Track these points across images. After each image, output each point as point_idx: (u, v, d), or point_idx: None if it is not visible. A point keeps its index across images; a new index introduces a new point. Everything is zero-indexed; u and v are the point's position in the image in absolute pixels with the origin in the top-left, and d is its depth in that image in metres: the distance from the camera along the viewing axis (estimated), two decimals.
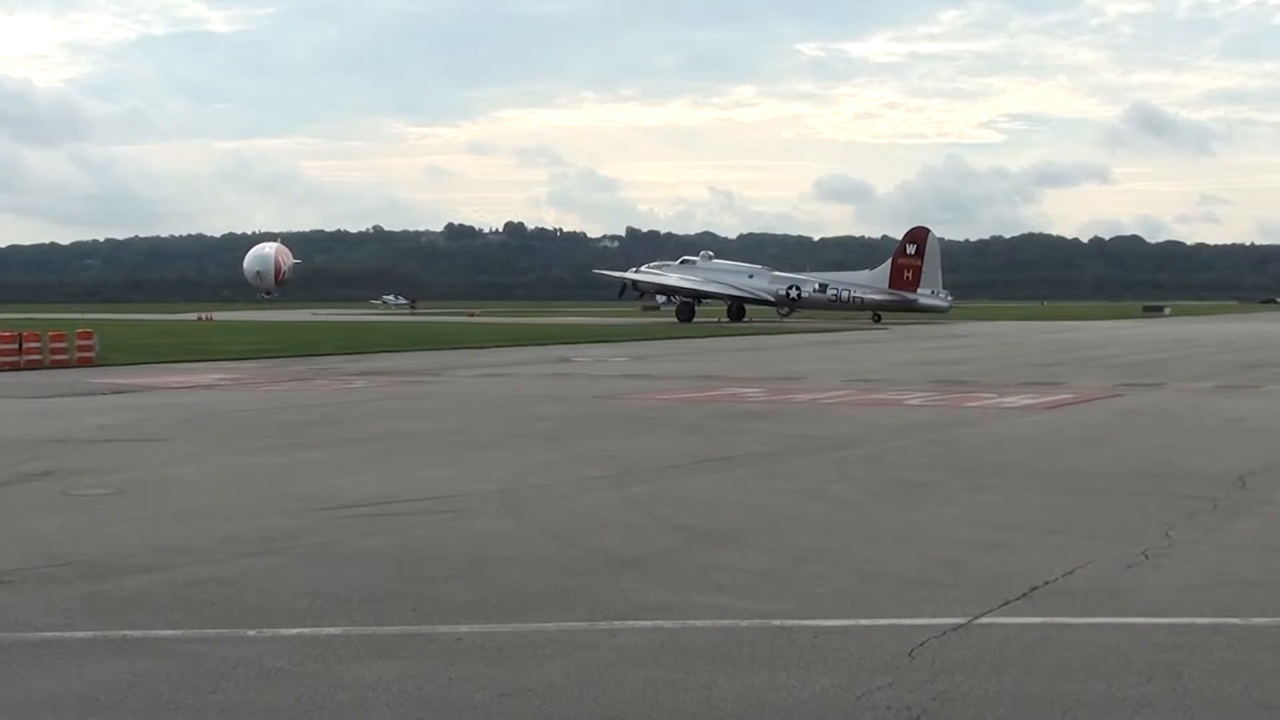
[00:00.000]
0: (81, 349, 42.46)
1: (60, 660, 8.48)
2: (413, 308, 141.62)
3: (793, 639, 8.83)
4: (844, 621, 9.26)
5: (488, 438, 20.84)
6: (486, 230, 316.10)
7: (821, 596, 10.03)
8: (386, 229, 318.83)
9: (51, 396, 29.48)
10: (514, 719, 7.34)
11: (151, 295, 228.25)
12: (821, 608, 9.65)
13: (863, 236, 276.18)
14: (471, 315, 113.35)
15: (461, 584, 10.47)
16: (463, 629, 9.11)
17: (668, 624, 9.20)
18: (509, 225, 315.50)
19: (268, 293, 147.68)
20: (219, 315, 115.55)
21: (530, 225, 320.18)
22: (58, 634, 9.06)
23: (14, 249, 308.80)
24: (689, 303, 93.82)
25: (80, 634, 9.06)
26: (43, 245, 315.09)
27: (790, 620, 9.26)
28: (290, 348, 51.46)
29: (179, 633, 9.07)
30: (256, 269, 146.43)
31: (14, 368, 39.37)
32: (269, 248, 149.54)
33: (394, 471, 17.00)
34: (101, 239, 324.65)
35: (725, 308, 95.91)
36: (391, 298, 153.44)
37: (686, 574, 10.80)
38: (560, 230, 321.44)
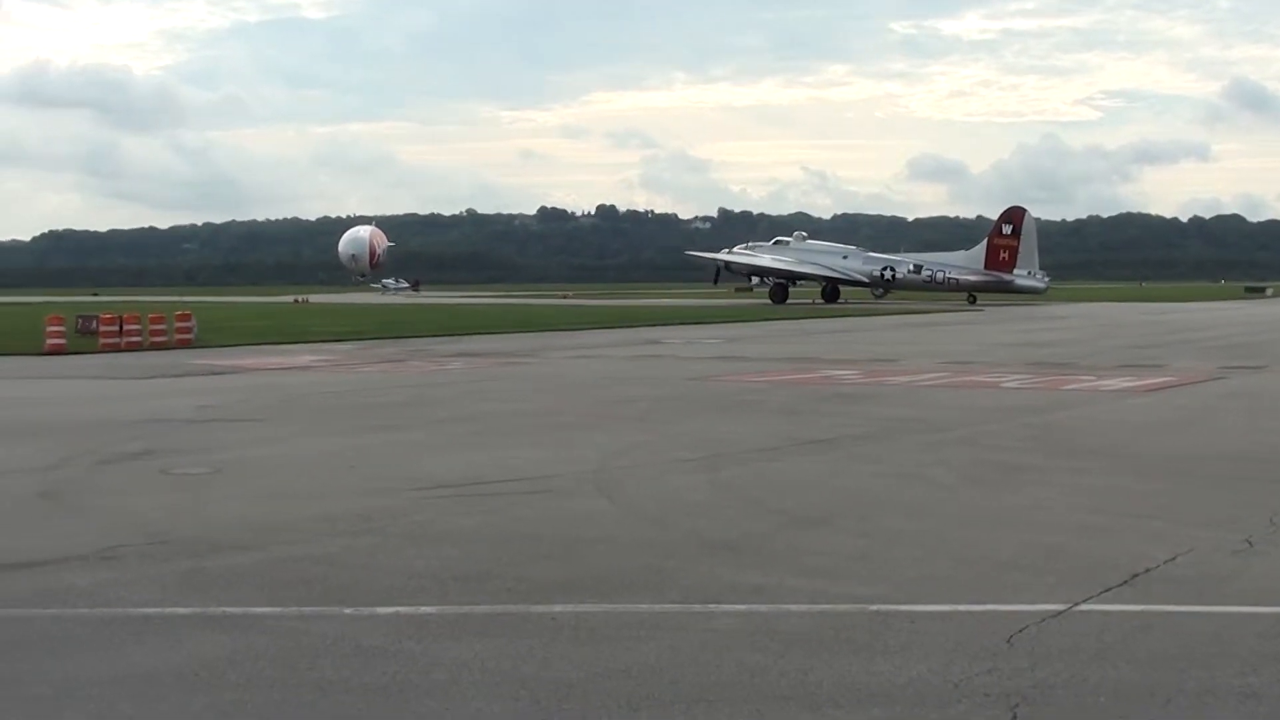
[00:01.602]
0: (180, 331, 43.09)
1: (160, 635, 8.59)
2: (415, 290, 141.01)
3: (889, 624, 8.76)
4: (941, 607, 9.17)
5: (581, 419, 20.89)
6: (578, 213, 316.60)
7: (917, 581, 9.94)
8: (480, 212, 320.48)
9: (151, 377, 29.90)
10: (609, 699, 7.33)
11: (248, 278, 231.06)
12: (918, 592, 9.57)
13: (957, 217, 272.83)
14: (564, 297, 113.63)
15: (555, 564, 10.49)
16: (557, 609, 9.12)
17: (762, 607, 9.16)
18: (601, 208, 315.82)
19: (362, 275, 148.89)
20: (314, 298, 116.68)
21: (622, 208, 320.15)
22: (158, 610, 9.18)
23: (114, 234, 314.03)
24: (782, 284, 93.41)
25: (180, 610, 9.17)
26: (142, 230, 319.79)
27: (886, 605, 9.19)
28: (385, 330, 51.85)
29: (276, 610, 9.16)
30: (351, 252, 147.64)
31: (115, 349, 39.99)
32: (364, 231, 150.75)
33: (488, 452, 17.06)
34: (199, 223, 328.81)
35: (819, 289, 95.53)
36: (392, 281, 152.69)
37: (780, 557, 10.75)
38: (652, 212, 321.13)
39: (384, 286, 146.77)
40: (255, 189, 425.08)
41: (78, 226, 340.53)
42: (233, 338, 45.72)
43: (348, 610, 9.14)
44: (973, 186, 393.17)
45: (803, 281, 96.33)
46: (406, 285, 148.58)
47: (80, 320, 46.17)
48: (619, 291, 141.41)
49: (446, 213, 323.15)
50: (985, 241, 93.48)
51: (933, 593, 9.57)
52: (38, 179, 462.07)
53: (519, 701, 7.31)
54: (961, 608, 9.15)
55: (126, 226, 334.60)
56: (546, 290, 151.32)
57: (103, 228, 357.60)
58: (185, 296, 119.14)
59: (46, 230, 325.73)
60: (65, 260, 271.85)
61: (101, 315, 43.95)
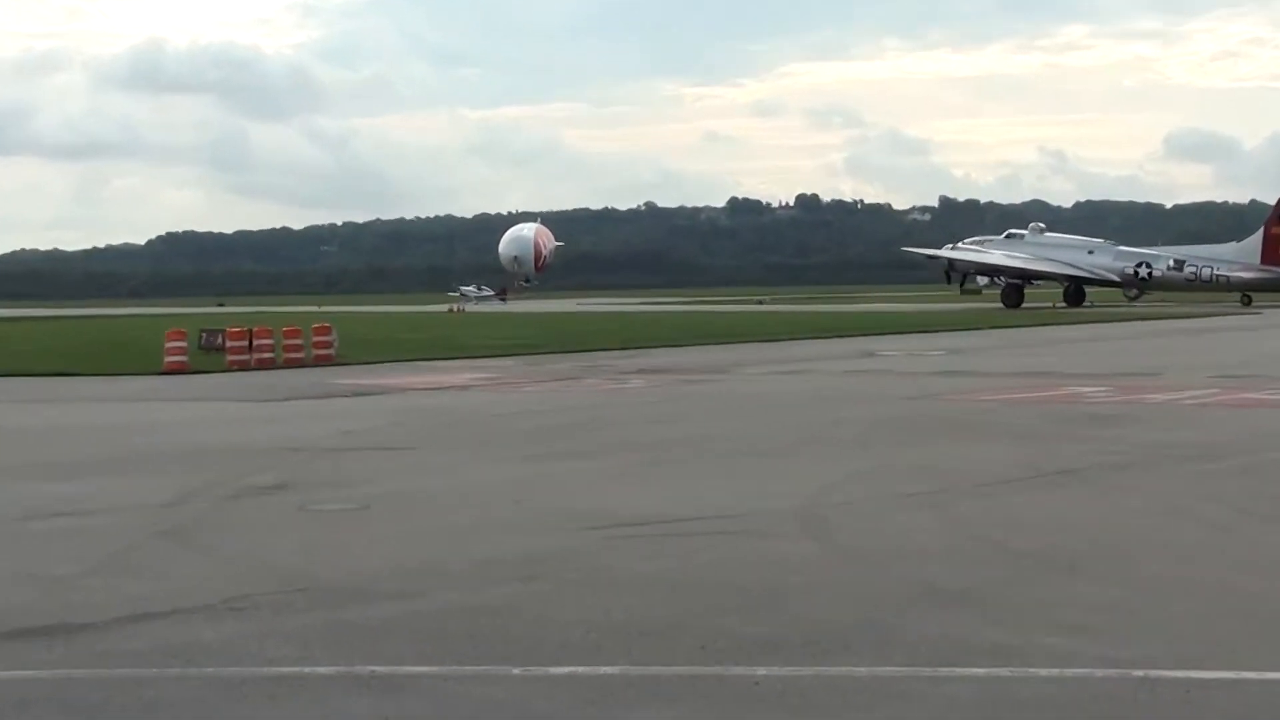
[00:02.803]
0: (318, 346, 43.64)
1: (299, 698, 8.65)
2: (502, 300, 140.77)
3: (1158, 693, 8.52)
4: (1221, 673, 8.88)
5: (783, 445, 20.81)
6: (775, 204, 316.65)
7: (1192, 641, 9.66)
8: (660, 205, 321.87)
9: (286, 399, 30.45)
10: None
11: (395, 285, 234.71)
12: (1193, 655, 9.29)
13: (1225, 202, 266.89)
14: (760, 303, 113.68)
15: (757, 617, 10.39)
16: (760, 671, 9.02)
17: (1003, 671, 8.96)
18: (800, 198, 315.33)
19: (526, 280, 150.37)
20: (472, 306, 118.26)
21: (825, 197, 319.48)
22: (295, 669, 9.24)
23: (242, 235, 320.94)
24: (1017, 284, 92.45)
25: (321, 669, 9.22)
26: (274, 230, 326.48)
27: (1155, 670, 8.92)
28: (555, 342, 52.24)
29: (433, 669, 9.17)
30: (514, 254, 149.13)
31: (244, 367, 40.71)
32: (527, 229, 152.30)
33: (676, 484, 17.05)
34: (339, 222, 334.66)
35: (1060, 290, 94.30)
36: (473, 289, 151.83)
37: (1024, 610, 10.54)
38: (861, 202, 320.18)
39: (463, 295, 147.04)
40: (402, 183, 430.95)
41: (200, 228, 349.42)
42: (379, 353, 46.40)
43: (516, 670, 9.13)
44: (1244, 165, 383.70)
45: (1040, 281, 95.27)
46: (491, 293, 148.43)
47: (204, 335, 47.19)
48: (824, 295, 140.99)
49: (622, 206, 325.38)
50: (1261, 231, 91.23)
51: (1211, 655, 9.28)
52: (154, 174, 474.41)
53: None
54: (1247, 675, 8.86)
55: (256, 227, 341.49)
56: (738, 295, 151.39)
57: (228, 229, 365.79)
58: (324, 306, 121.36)
59: (164, 232, 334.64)
60: (186, 266, 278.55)
61: (228, 329, 44.80)
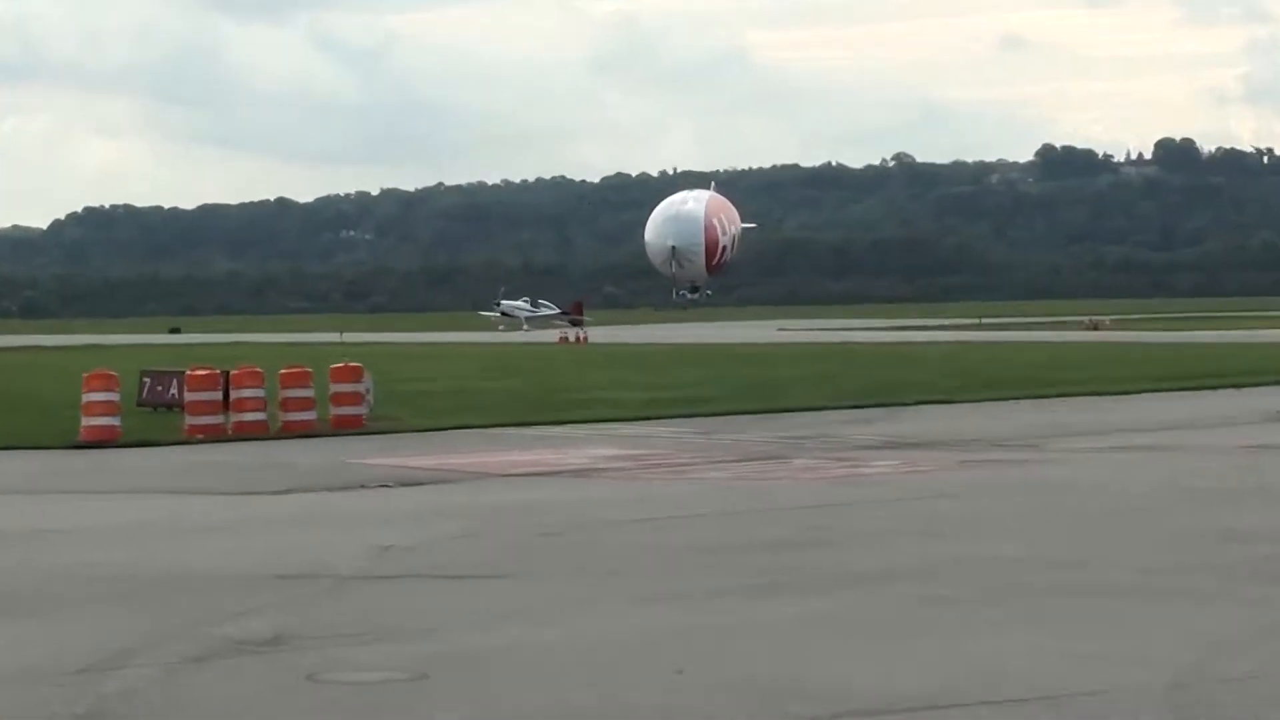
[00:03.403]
0: (340, 400, 43.77)
1: None
2: (577, 325, 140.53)
3: None
4: None
5: (1134, 576, 20.69)
6: (1119, 158, 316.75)
7: None
8: (921, 160, 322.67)
9: (287, 491, 30.62)
10: None
11: (468, 296, 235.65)
12: None
13: None
14: (1092, 328, 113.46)
15: None
16: None
17: None
18: (1164, 146, 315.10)
19: (693, 289, 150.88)
20: (598, 333, 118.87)
21: (1207, 145, 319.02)
22: None
23: (214, 211, 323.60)
24: None
25: None
26: (264, 204, 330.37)
27: None
28: (740, 394, 52.25)
29: None
30: (669, 242, 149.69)
31: (217, 434, 40.96)
32: (694, 202, 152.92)
33: (951, 642, 16.94)
34: (373, 191, 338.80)
35: None
36: (524, 305, 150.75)
37: None
38: (1270, 153, 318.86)
39: (503, 314, 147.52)
40: (479, 124, 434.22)
41: (140, 200, 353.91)
42: (441, 414, 46.75)
43: None
44: None
45: None
46: (553, 311, 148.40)
47: (148, 382, 47.69)
48: (1205, 313, 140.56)
49: (856, 163, 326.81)
50: None
51: None
52: (67, 111, 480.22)
53: None
54: None
55: (233, 200, 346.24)
56: (1057, 312, 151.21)
57: (188, 202, 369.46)
58: (348, 333, 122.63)
59: (81, 208, 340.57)
60: (118, 265, 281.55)
61: (189, 371, 45.05)
